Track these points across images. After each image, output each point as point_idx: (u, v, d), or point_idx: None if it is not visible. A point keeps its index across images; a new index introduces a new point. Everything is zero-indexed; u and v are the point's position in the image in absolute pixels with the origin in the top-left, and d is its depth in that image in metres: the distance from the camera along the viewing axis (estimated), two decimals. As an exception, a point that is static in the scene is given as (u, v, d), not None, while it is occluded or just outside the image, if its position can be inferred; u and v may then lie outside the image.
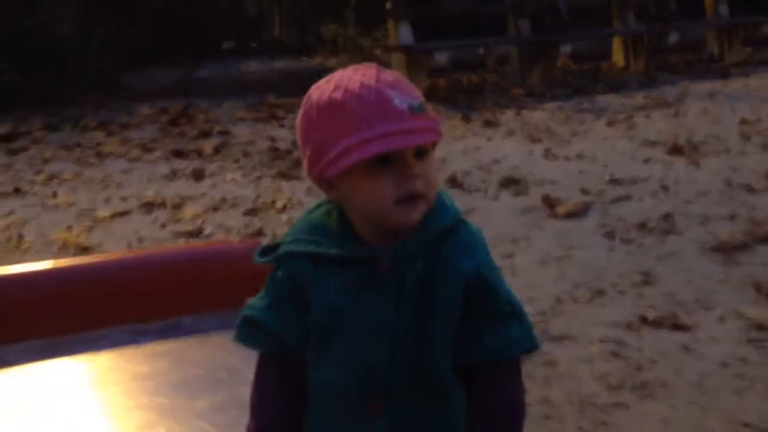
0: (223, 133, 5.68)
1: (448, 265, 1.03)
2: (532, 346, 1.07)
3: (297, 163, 4.82)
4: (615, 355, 2.52)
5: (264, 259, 1.11)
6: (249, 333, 1.13)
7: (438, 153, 3.94)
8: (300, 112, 1.06)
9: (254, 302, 1.13)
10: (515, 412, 1.07)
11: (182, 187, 4.45)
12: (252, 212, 3.99)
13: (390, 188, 1.01)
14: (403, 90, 1.02)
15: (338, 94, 1.02)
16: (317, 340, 1.07)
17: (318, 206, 1.13)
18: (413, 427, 1.06)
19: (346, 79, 1.03)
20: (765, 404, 2.22)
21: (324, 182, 1.06)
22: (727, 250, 3.29)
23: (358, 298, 1.04)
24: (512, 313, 1.05)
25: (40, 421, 1.57)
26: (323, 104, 1.03)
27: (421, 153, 1.02)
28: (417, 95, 1.03)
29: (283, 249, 1.09)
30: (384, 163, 1.00)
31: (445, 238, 1.05)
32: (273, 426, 1.12)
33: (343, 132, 1.00)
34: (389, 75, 1.04)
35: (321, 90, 1.04)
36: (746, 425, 2.12)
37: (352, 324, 1.05)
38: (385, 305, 1.03)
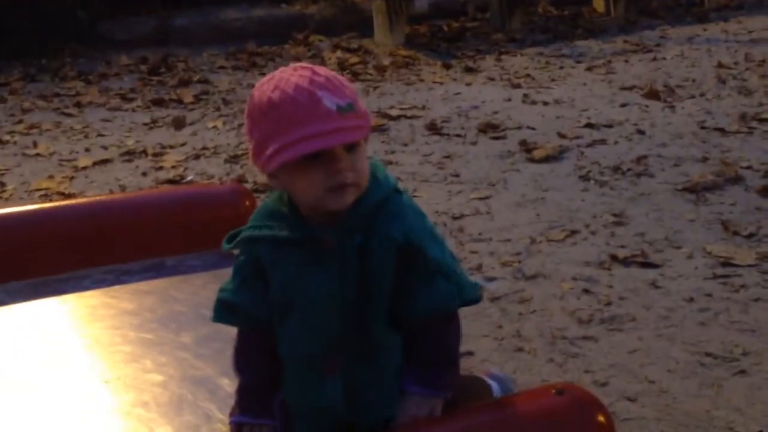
0: (203, 81, 5.67)
1: (380, 235, 1.18)
2: (464, 302, 1.23)
3: (277, 111, 4.85)
4: (586, 291, 2.61)
5: (229, 246, 1.29)
6: (224, 313, 1.28)
7: (418, 99, 4.03)
8: (246, 109, 1.19)
9: (226, 285, 1.29)
10: (446, 359, 1.25)
11: (163, 135, 4.47)
12: (233, 159, 4.02)
13: (320, 180, 1.14)
14: (334, 91, 1.14)
15: (275, 95, 1.13)
16: (278, 314, 1.23)
17: (274, 192, 1.29)
18: (363, 377, 1.22)
19: (284, 80, 1.14)
20: (727, 335, 2.32)
21: (266, 174, 1.20)
22: (697, 191, 3.37)
23: (308, 274, 1.19)
24: (438, 271, 1.20)
25: (30, 357, 1.64)
26: (263, 104, 1.14)
27: (351, 147, 1.15)
28: (347, 95, 1.15)
29: (243, 234, 1.26)
30: (315, 158, 1.13)
31: (378, 211, 1.19)
32: (257, 382, 1.27)
33: (279, 132, 1.12)
34: (322, 76, 1.15)
35: (262, 90, 1.16)
36: (708, 354, 2.22)
37: (304, 297, 1.20)
38: (332, 278, 1.19)
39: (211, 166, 3.95)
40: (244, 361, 1.30)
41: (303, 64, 1.18)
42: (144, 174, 3.86)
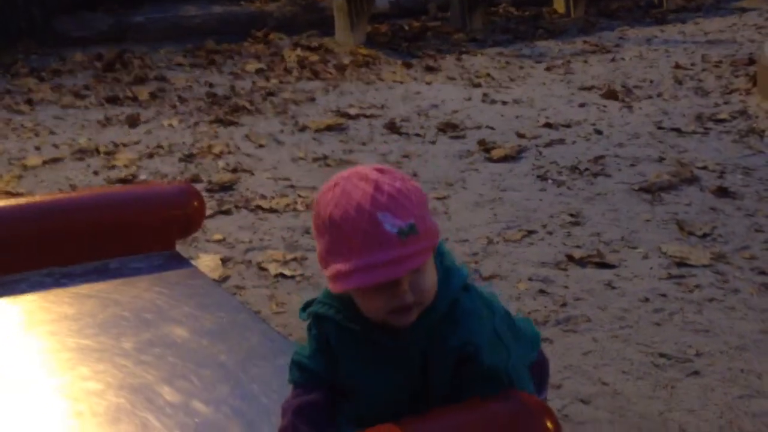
0: (160, 78, 5.56)
1: (441, 344, 1.18)
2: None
3: (235, 109, 4.78)
4: (542, 292, 2.59)
5: (302, 315, 1.28)
6: (299, 374, 1.27)
7: (377, 99, 3.99)
8: (313, 212, 1.18)
9: (302, 350, 1.29)
10: None
11: (116, 133, 4.37)
12: (188, 158, 3.95)
13: (381, 304, 1.14)
14: (396, 211, 1.11)
15: (337, 214, 1.11)
16: (345, 387, 1.25)
17: None
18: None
19: (347, 195, 1.12)
20: (681, 336, 2.32)
21: None
22: (653, 191, 3.38)
23: (371, 368, 1.21)
24: (492, 378, 1.19)
25: (-39, 363, 1.57)
26: (325, 219, 1.13)
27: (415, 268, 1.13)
28: (410, 214, 1.12)
29: (313, 309, 1.25)
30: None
31: (442, 318, 1.19)
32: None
33: (340, 254, 1.11)
34: (385, 193, 1.11)
35: (326, 200, 1.14)
36: (662, 355, 2.22)
37: (367, 388, 1.23)
38: (392, 375, 1.21)
39: (165, 165, 3.87)
40: (302, 414, 1.25)
41: (368, 173, 1.14)
42: (96, 173, 3.77)
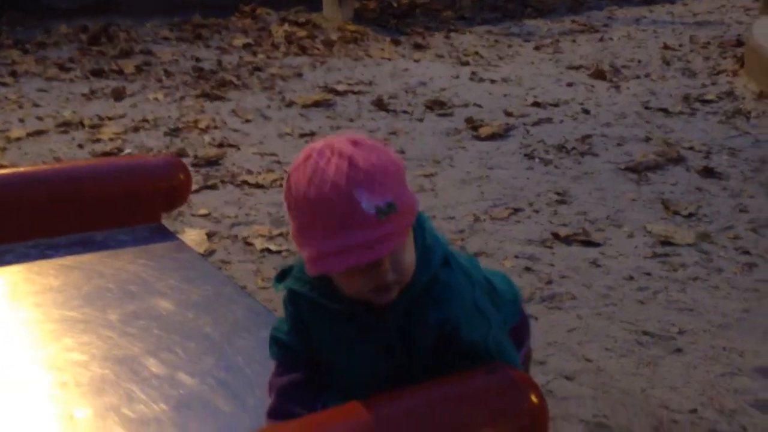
0: (146, 52, 5.51)
1: (420, 321, 1.16)
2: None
3: (222, 84, 4.74)
4: (528, 270, 2.60)
5: (278, 288, 1.24)
6: (279, 351, 1.25)
7: (365, 75, 3.96)
8: (285, 187, 1.12)
9: (279, 325, 1.26)
10: None
11: (101, 107, 4.33)
12: (174, 132, 3.92)
13: (362, 283, 1.10)
14: (373, 189, 1.05)
15: (311, 192, 1.05)
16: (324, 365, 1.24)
17: None
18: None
19: (320, 171, 1.05)
20: (665, 314, 2.33)
21: None
22: (639, 170, 3.39)
23: (348, 345, 1.19)
24: (473, 354, 1.18)
25: (-56, 334, 1.56)
26: (299, 197, 1.08)
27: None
28: (387, 191, 1.06)
29: (288, 285, 1.21)
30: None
31: (421, 295, 1.16)
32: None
33: (313, 236, 1.07)
34: (359, 171, 1.05)
35: (298, 179, 1.08)
36: (646, 333, 2.23)
37: (346, 365, 1.21)
38: (370, 352, 1.18)
39: (151, 138, 3.84)
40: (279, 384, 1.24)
41: (341, 147, 1.07)
42: (80, 146, 3.74)
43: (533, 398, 1.16)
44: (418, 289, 1.15)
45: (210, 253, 2.71)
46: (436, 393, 1.17)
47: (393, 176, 1.09)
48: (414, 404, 1.16)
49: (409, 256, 1.13)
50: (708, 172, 3.36)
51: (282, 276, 1.24)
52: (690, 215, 2.98)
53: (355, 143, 1.09)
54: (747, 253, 2.69)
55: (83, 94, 4.55)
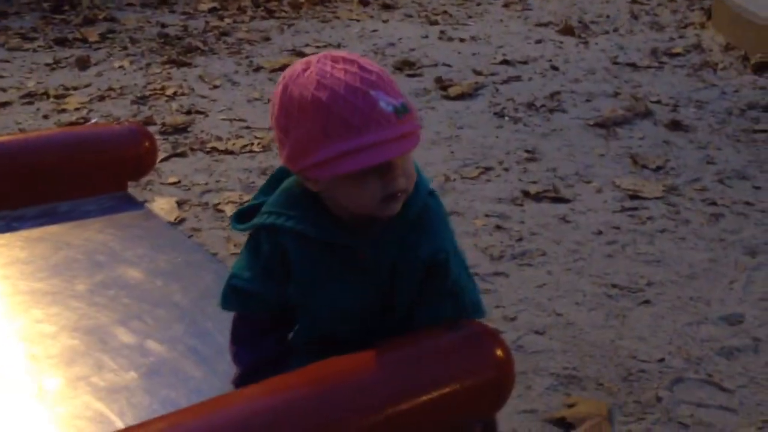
0: (110, 19, 5.43)
1: (411, 253, 1.11)
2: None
3: (188, 50, 4.68)
4: (498, 228, 2.62)
5: (242, 227, 1.16)
6: (237, 300, 1.17)
7: (333, 37, 3.93)
8: (275, 103, 1.06)
9: (240, 272, 1.17)
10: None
11: (66, 76, 4.27)
12: (141, 100, 3.88)
13: (376, 189, 1.04)
14: (387, 90, 1.03)
15: (323, 95, 1.00)
16: (297, 305, 1.16)
17: (287, 171, 1.15)
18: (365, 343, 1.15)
19: (329, 75, 1.01)
20: (632, 267, 2.36)
21: (303, 175, 1.08)
22: (608, 126, 3.41)
23: (335, 282, 1.13)
24: (451, 293, 1.16)
25: None
26: (306, 103, 1.01)
27: None
28: (399, 93, 1.04)
29: (263, 220, 1.13)
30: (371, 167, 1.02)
31: (414, 224, 1.12)
32: (259, 368, 1.18)
33: (331, 136, 1.00)
34: (371, 73, 1.03)
35: (301, 86, 1.02)
36: (615, 286, 2.26)
37: (326, 301, 1.14)
38: (358, 289, 1.13)
39: (117, 107, 3.79)
40: (244, 350, 1.20)
41: (344, 54, 1.05)
42: (45, 117, 3.69)
43: (498, 352, 1.17)
44: (412, 216, 1.12)
45: (180, 221, 2.70)
46: (401, 352, 1.18)
47: (397, 86, 1.07)
48: (379, 363, 1.17)
49: (413, 165, 1.10)
50: (675, 126, 3.38)
51: (242, 216, 1.18)
52: (658, 168, 3.01)
53: (351, 55, 1.06)
54: (713, 204, 2.73)
55: (47, 64, 4.48)
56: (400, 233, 1.12)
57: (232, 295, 1.17)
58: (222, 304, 1.18)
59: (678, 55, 4.39)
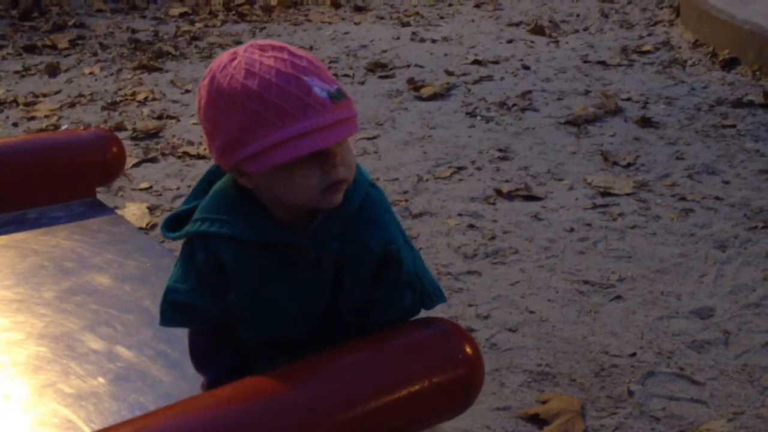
0: (79, 26, 5.38)
1: (359, 245, 1.07)
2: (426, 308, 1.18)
3: (159, 55, 4.66)
4: (471, 227, 2.63)
5: (174, 236, 1.10)
6: (177, 316, 1.12)
7: (305, 40, 3.91)
8: (202, 96, 1.01)
9: (176, 285, 1.11)
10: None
11: (35, 83, 4.23)
12: (111, 106, 3.85)
13: (316, 180, 1.00)
14: (321, 75, 0.99)
15: (253, 83, 0.96)
16: (238, 314, 1.11)
17: (219, 171, 1.12)
18: (312, 351, 1.12)
19: (257, 63, 0.97)
20: (605, 263, 2.38)
21: (236, 171, 1.02)
22: (579, 123, 3.43)
23: (276, 282, 1.07)
24: (408, 283, 1.12)
25: None
26: (235, 92, 0.97)
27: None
28: (333, 79, 1.00)
29: (196, 228, 1.07)
30: (308, 156, 0.97)
31: (357, 214, 1.07)
32: (224, 377, 1.14)
33: (265, 126, 0.96)
34: (302, 59, 0.99)
35: (229, 75, 0.98)
36: (587, 282, 2.28)
37: (269, 304, 1.09)
38: (302, 287, 1.08)
39: (88, 114, 3.76)
40: (202, 359, 1.17)
41: (271, 42, 1.01)
42: (15, 124, 3.65)
43: (467, 349, 1.17)
44: (353, 208, 1.07)
45: (152, 226, 2.68)
46: (369, 349, 1.18)
47: (329, 72, 1.03)
48: (347, 362, 1.17)
49: (353, 154, 1.05)
50: (646, 122, 3.41)
51: (173, 223, 1.12)
52: (629, 165, 3.03)
53: (276, 42, 1.02)
54: (683, 199, 2.75)
55: (16, 71, 4.44)
56: (342, 226, 1.07)
57: (171, 311, 1.11)
58: (161, 320, 1.12)
59: (648, 52, 4.43)
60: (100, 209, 1.94)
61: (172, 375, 1.31)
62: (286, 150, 0.96)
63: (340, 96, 0.99)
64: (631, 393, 1.81)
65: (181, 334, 1.42)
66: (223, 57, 1.01)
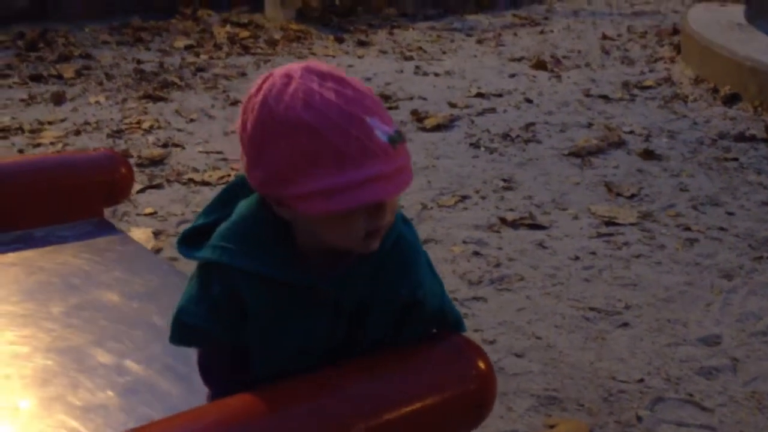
0: (85, 56, 5.42)
1: (387, 291, 1.03)
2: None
3: (164, 85, 4.69)
4: (476, 254, 2.62)
5: (191, 255, 1.05)
6: (187, 337, 1.08)
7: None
8: (250, 117, 0.93)
9: (189, 307, 1.05)
10: None
11: (41, 111, 4.25)
12: (117, 134, 3.86)
13: (362, 225, 0.95)
14: (381, 115, 0.93)
15: (309, 116, 0.89)
16: (251, 345, 1.07)
17: (245, 185, 1.03)
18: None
19: (317, 95, 0.90)
20: (610, 291, 2.37)
21: (277, 201, 0.96)
22: (582, 155, 3.44)
23: (295, 321, 1.04)
24: (432, 320, 1.12)
25: None
26: (290, 124, 0.90)
27: None
28: (390, 118, 0.95)
29: (216, 256, 1.01)
30: None
31: (386, 258, 1.02)
32: (231, 391, 1.10)
33: (321, 168, 0.89)
34: (365, 96, 0.93)
35: (284, 102, 0.91)
36: (593, 309, 2.27)
37: (288, 339, 1.05)
38: (321, 327, 1.05)
39: (93, 141, 3.78)
40: (213, 375, 1.14)
41: (329, 69, 0.94)
42: (21, 151, 3.66)
43: (480, 364, 1.17)
44: (386, 249, 1.01)
45: (157, 251, 2.67)
46: (383, 364, 1.17)
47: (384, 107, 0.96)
48: (361, 375, 1.16)
49: (398, 200, 1.00)
50: (648, 155, 3.43)
51: (190, 240, 1.05)
52: (632, 196, 3.04)
53: (334, 70, 0.95)
54: (688, 229, 2.76)
55: (22, 99, 4.46)
56: (371, 269, 1.02)
57: (182, 332, 1.07)
58: (171, 338, 1.08)
59: (649, 87, 4.47)
60: (108, 229, 1.94)
61: (181, 388, 1.30)
62: (343, 198, 0.90)
63: (399, 139, 0.93)
64: (639, 419, 1.79)
65: (191, 350, 1.41)
66: (275, 77, 0.94)
